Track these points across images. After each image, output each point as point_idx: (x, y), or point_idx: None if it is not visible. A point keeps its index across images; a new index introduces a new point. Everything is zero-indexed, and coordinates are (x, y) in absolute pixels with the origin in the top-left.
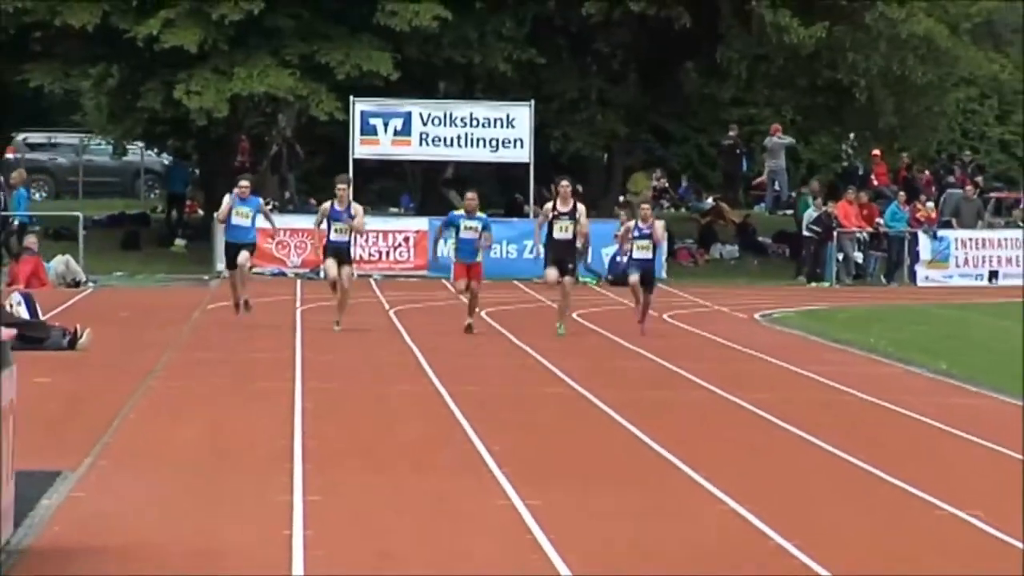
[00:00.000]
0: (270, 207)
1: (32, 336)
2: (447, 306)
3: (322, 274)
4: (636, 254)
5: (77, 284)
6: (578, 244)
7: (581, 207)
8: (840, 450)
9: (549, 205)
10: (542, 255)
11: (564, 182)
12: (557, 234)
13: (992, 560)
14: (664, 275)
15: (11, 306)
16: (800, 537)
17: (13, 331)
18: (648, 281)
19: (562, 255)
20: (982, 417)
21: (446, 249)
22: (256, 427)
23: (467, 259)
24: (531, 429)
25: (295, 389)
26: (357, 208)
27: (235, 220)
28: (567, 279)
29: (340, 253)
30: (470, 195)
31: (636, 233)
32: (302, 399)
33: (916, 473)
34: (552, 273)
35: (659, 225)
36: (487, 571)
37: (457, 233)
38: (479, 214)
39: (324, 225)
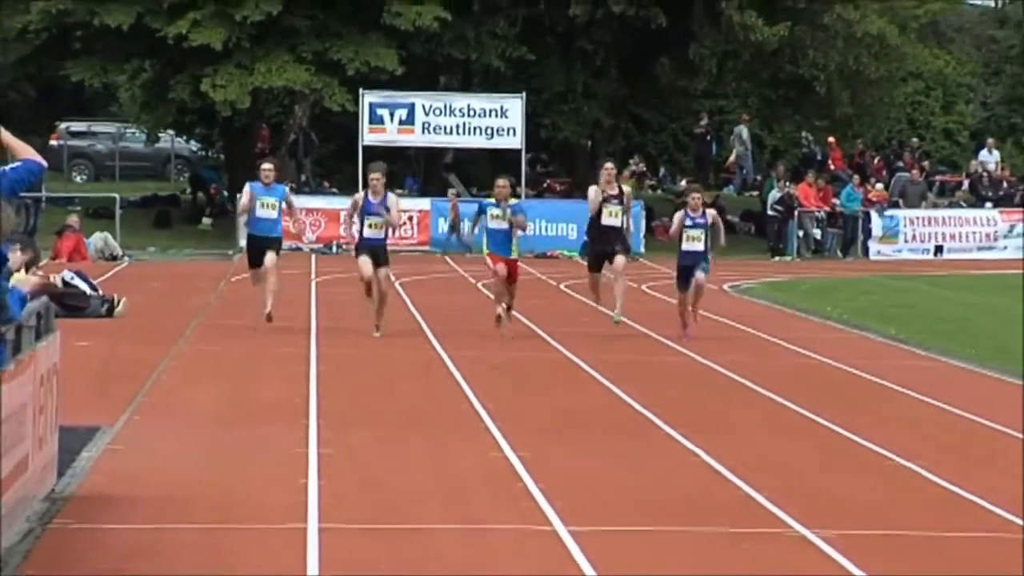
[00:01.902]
0: (290, 187)
1: (73, 304)
2: (448, 279)
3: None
4: (686, 245)
5: (114, 258)
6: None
7: (627, 189)
8: (803, 408)
9: (596, 189)
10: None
11: (609, 164)
12: (606, 220)
13: (936, 505)
14: (642, 250)
15: (64, 282)
16: (768, 488)
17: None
18: (695, 270)
19: (608, 244)
20: (929, 377)
21: (471, 236)
22: (275, 388)
23: (500, 251)
24: (522, 390)
25: (310, 354)
26: (393, 199)
27: (260, 212)
28: (618, 258)
29: (376, 252)
30: (501, 182)
31: (689, 222)
32: (316, 363)
33: (871, 428)
34: (595, 278)
35: (714, 213)
36: (483, 517)
37: (486, 222)
38: (511, 202)
39: (356, 227)
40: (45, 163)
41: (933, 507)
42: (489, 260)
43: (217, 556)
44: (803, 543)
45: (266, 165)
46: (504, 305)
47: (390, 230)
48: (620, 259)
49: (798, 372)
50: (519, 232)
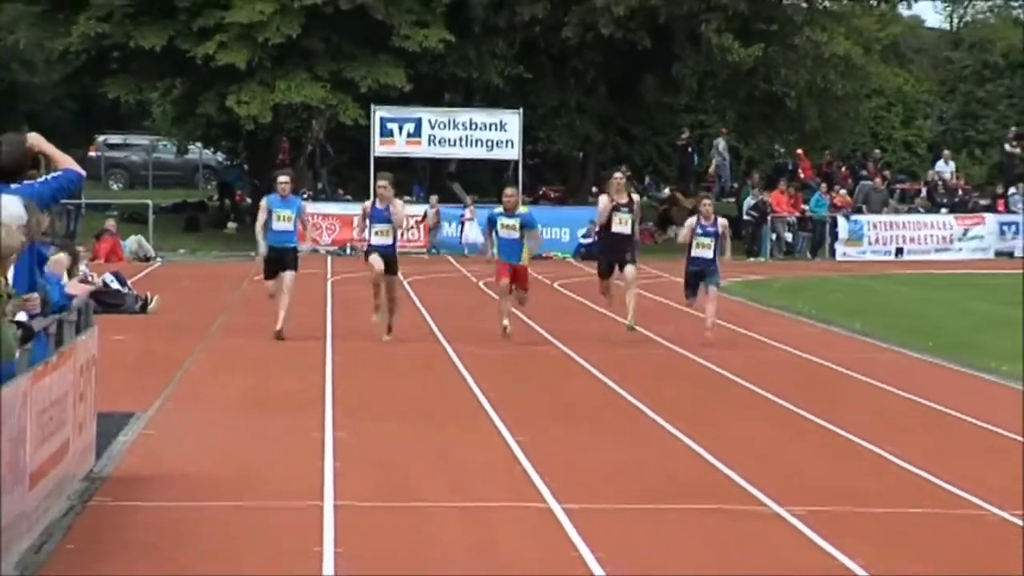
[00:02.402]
0: (306, 197)
1: (110, 301)
2: (450, 278)
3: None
4: (695, 252)
5: (147, 259)
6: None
7: (636, 198)
8: (779, 397)
9: (606, 199)
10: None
11: (618, 173)
12: (616, 227)
13: (899, 484)
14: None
15: (106, 283)
16: (745, 470)
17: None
18: (706, 278)
19: (617, 251)
20: (891, 368)
21: (494, 251)
22: (294, 377)
23: (509, 259)
24: (521, 381)
25: (326, 347)
26: (397, 204)
27: (276, 224)
28: (628, 268)
29: (386, 259)
30: (509, 191)
31: (700, 231)
32: (332, 355)
33: (840, 415)
34: (604, 285)
35: (724, 223)
36: (484, 496)
37: (496, 231)
38: (520, 210)
39: (366, 231)
40: (83, 172)
41: (896, 486)
42: (497, 271)
43: (241, 531)
44: (776, 519)
45: (282, 178)
46: (506, 322)
47: (398, 236)
48: (631, 269)
49: (773, 364)
50: (534, 244)
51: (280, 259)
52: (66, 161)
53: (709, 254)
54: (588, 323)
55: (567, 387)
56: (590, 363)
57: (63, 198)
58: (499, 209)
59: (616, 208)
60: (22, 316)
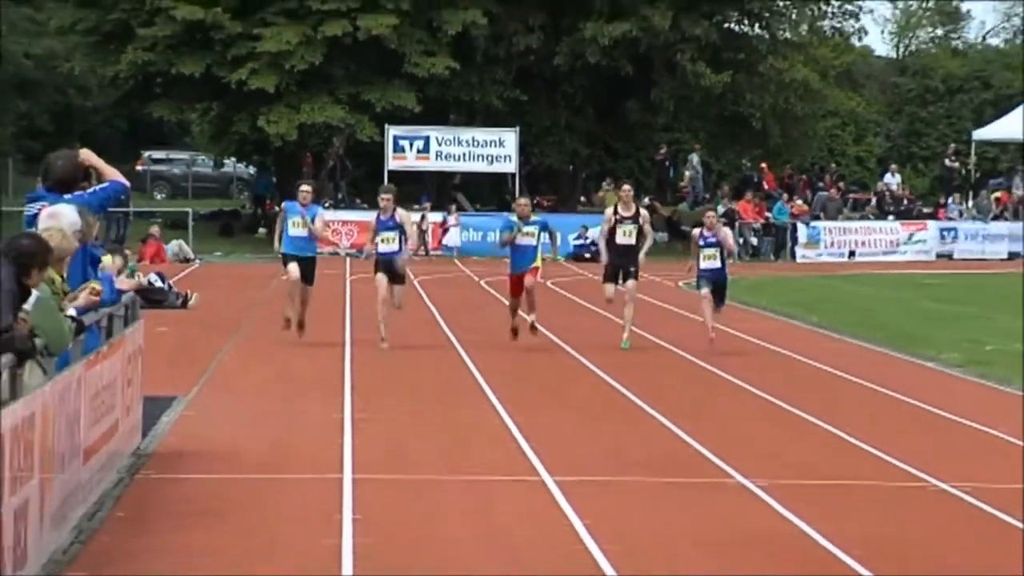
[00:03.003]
0: (327, 205)
1: (154, 298)
2: (455, 278)
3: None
4: (704, 264)
5: (187, 260)
6: (643, 251)
7: (644, 211)
8: (746, 383)
9: (610, 211)
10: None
11: (626, 186)
12: (620, 239)
13: (854, 459)
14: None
15: (151, 282)
16: (714, 445)
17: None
18: (720, 293)
19: (624, 261)
20: (844, 357)
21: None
22: (316, 365)
23: (524, 267)
24: (518, 368)
25: (345, 339)
26: (402, 214)
27: (292, 231)
28: (630, 283)
29: (391, 268)
30: (522, 201)
31: (702, 242)
32: (351, 346)
33: (798, 399)
34: (609, 288)
35: (727, 232)
36: (485, 469)
37: (513, 234)
38: (534, 218)
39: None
40: (128, 183)
41: (845, 460)
42: (509, 286)
43: (270, 500)
44: (743, 490)
45: (304, 187)
46: (512, 326)
47: (406, 243)
48: (632, 283)
49: (741, 353)
50: (557, 240)
51: (299, 266)
52: (113, 174)
53: (717, 263)
54: (577, 317)
55: (557, 373)
56: (578, 351)
57: (110, 206)
58: (514, 218)
59: (620, 220)
60: (71, 311)
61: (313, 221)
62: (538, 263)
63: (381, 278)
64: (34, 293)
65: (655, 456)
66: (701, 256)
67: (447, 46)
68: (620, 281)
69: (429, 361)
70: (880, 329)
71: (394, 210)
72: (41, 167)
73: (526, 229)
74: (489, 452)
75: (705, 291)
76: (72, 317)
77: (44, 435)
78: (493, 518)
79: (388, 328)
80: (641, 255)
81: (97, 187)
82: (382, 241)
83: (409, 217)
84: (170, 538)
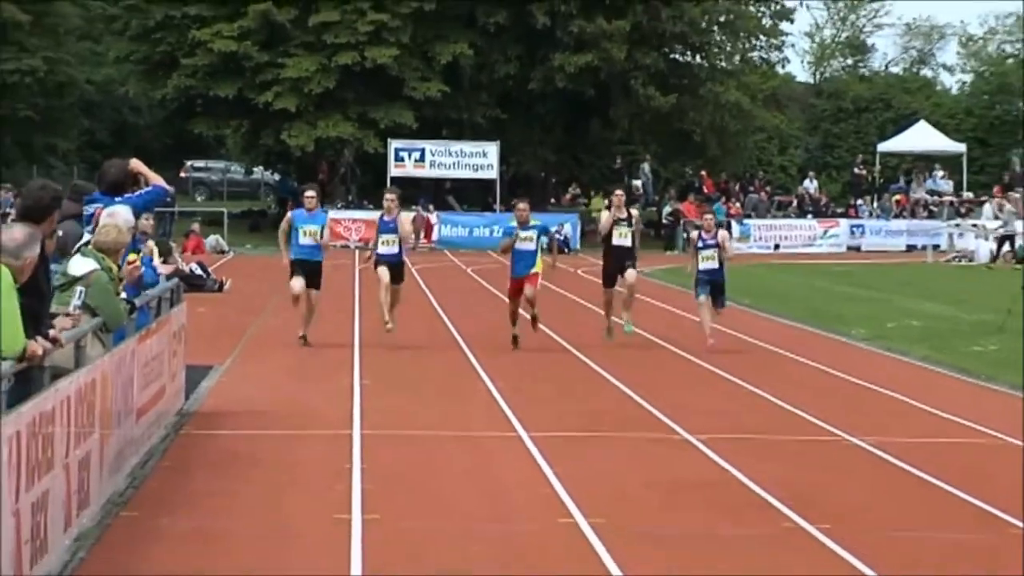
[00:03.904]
0: (340, 206)
1: (195, 283)
2: (450, 267)
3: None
4: (702, 265)
5: (223, 252)
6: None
7: (635, 212)
8: (688, 353)
9: (607, 215)
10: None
11: (619, 191)
12: (616, 240)
13: (779, 420)
14: (578, 246)
15: (192, 270)
16: (663, 407)
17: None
18: (717, 295)
19: (620, 261)
20: (772, 333)
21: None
22: (331, 340)
23: (523, 272)
24: (503, 344)
25: (354, 318)
26: (402, 217)
27: (302, 240)
28: (629, 272)
29: (392, 269)
30: (521, 205)
31: (700, 244)
32: (359, 323)
33: (736, 369)
34: (610, 292)
35: (725, 235)
36: (473, 426)
37: (513, 240)
38: (533, 222)
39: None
40: (169, 188)
41: (772, 419)
42: (509, 291)
43: (292, 452)
44: (686, 443)
45: (308, 192)
46: (513, 333)
47: (403, 247)
48: (632, 272)
49: (685, 331)
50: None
51: (306, 272)
52: (156, 179)
53: (715, 264)
54: (554, 305)
55: (536, 350)
56: (556, 332)
57: (154, 207)
58: (514, 223)
59: (616, 222)
60: (124, 295)
61: (322, 230)
62: (538, 268)
63: (384, 270)
64: (88, 263)
65: (614, 415)
66: (700, 258)
67: (439, 73)
68: (618, 281)
69: (427, 340)
70: (801, 309)
71: (397, 212)
72: (97, 174)
73: (524, 234)
74: (476, 413)
75: (703, 298)
76: (126, 299)
77: (103, 397)
78: (479, 467)
79: (392, 315)
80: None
81: (142, 191)
82: (383, 243)
83: (406, 218)
84: (208, 484)
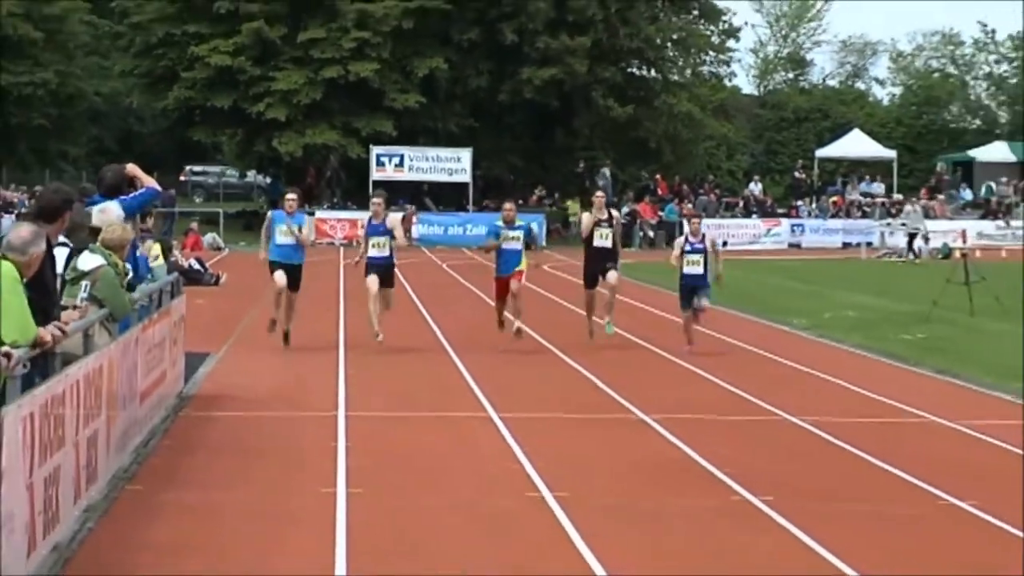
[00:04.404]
0: (325, 206)
1: (194, 277)
2: (424, 263)
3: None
4: (687, 269)
5: (219, 249)
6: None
7: (616, 213)
8: (650, 344)
9: (588, 216)
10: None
11: (599, 192)
12: (597, 242)
13: (727, 402)
14: (544, 243)
15: (191, 265)
16: (621, 390)
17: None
18: (698, 294)
19: (601, 263)
20: (721, 323)
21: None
22: (319, 328)
23: (509, 271)
24: (475, 333)
25: (340, 307)
26: (393, 220)
27: (280, 239)
28: (611, 275)
29: (381, 272)
30: (508, 206)
31: (688, 247)
32: (344, 315)
33: (694, 358)
34: (590, 293)
35: (713, 238)
36: (450, 407)
37: (498, 240)
38: (519, 223)
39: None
40: (160, 189)
41: (720, 401)
42: (495, 290)
43: (283, 432)
44: (642, 423)
45: (290, 195)
46: (514, 327)
47: (399, 244)
48: (613, 274)
49: (640, 320)
50: (537, 249)
51: (286, 273)
52: (149, 182)
53: (699, 270)
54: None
55: (506, 337)
56: (527, 324)
57: (147, 207)
58: (500, 222)
59: (598, 224)
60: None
61: (300, 229)
62: (523, 267)
63: (373, 279)
64: (95, 259)
65: (573, 397)
66: (685, 262)
67: (417, 85)
68: (599, 282)
69: (407, 331)
70: (748, 301)
71: (385, 215)
72: (97, 177)
73: (512, 234)
74: (451, 397)
75: (687, 314)
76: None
77: (110, 381)
78: (454, 445)
79: (380, 324)
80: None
81: (136, 192)
82: (373, 246)
83: (396, 220)
84: (206, 460)
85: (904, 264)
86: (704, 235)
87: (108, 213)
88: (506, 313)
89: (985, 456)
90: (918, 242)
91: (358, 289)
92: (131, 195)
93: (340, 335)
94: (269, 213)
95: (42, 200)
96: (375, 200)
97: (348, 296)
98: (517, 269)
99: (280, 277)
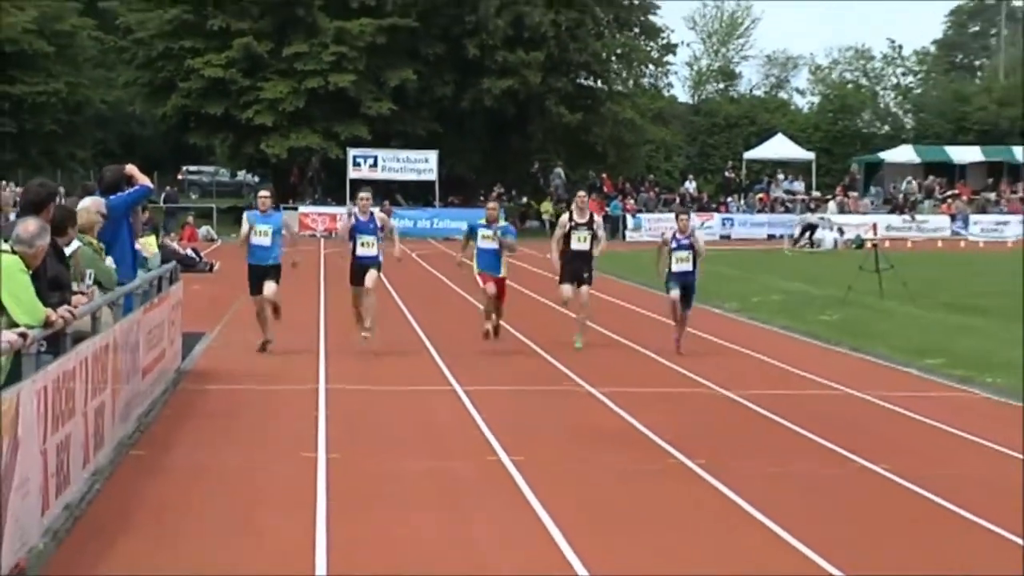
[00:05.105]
0: (308, 202)
1: (189, 265)
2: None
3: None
4: (675, 267)
5: (212, 240)
6: (595, 253)
7: (598, 218)
8: (598, 326)
9: (565, 217)
10: (558, 268)
11: (581, 192)
12: (575, 244)
13: (664, 376)
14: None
15: (188, 254)
16: (571, 366)
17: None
18: (688, 296)
19: (579, 266)
20: (661, 306)
21: (465, 259)
22: (302, 311)
23: (490, 270)
24: (447, 322)
25: (321, 293)
26: (382, 217)
27: (255, 240)
28: (584, 289)
29: (368, 273)
30: (492, 204)
31: (674, 244)
32: (324, 299)
33: (632, 335)
34: (567, 289)
35: (700, 235)
36: (422, 382)
37: (476, 242)
38: (500, 223)
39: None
40: (151, 186)
41: (657, 375)
42: (479, 279)
43: (270, 402)
44: (590, 396)
45: (263, 193)
46: (491, 325)
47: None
48: (585, 290)
49: (598, 308)
50: (507, 252)
51: (262, 277)
52: (143, 181)
53: (688, 267)
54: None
55: (475, 326)
56: (506, 321)
57: (139, 203)
58: (481, 221)
59: (576, 227)
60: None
61: (277, 231)
62: (504, 272)
63: (359, 290)
64: (74, 243)
65: (531, 373)
66: (673, 259)
67: (389, 95)
68: (576, 283)
69: (384, 315)
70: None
71: (371, 213)
72: (99, 176)
73: (486, 233)
74: (419, 371)
75: (675, 292)
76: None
77: (115, 358)
78: (421, 415)
79: (367, 319)
80: (596, 252)
81: (130, 190)
82: (361, 245)
83: (389, 222)
84: (201, 428)
85: (793, 254)
86: (693, 231)
87: (87, 202)
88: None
89: (895, 425)
90: (823, 234)
91: (338, 276)
92: (126, 192)
93: (321, 317)
94: (245, 215)
95: (29, 194)
96: (363, 195)
97: (328, 281)
98: (501, 275)
99: (257, 296)
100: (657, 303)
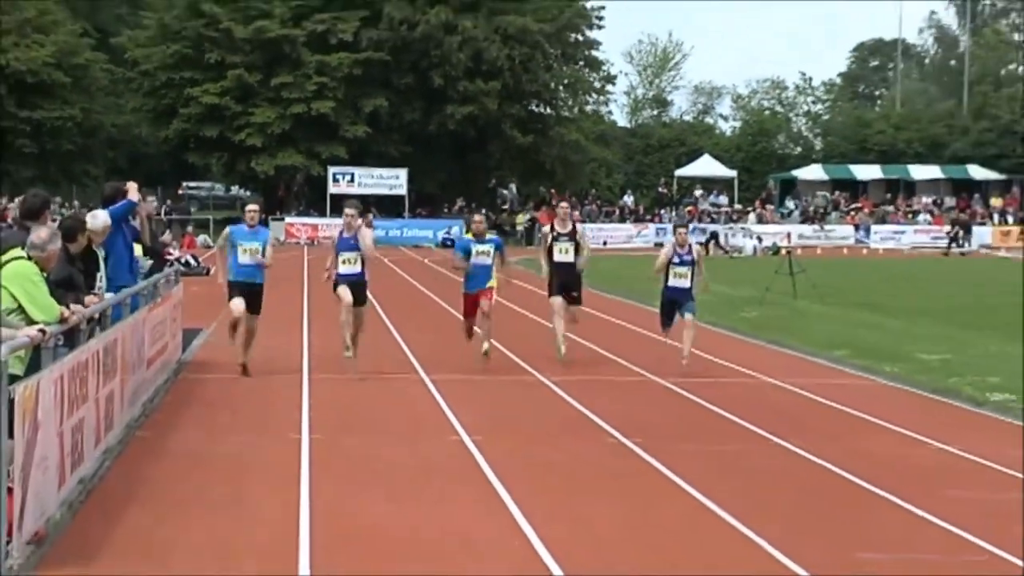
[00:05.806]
0: (294, 214)
1: (188, 270)
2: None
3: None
4: (673, 282)
5: (209, 247)
6: (579, 264)
7: (580, 227)
8: (538, 316)
9: (547, 229)
10: (546, 280)
11: (563, 204)
12: (558, 256)
13: (606, 366)
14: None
15: (187, 260)
16: (525, 356)
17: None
18: (682, 309)
19: (567, 279)
20: (603, 304)
21: (463, 266)
22: (286, 306)
23: (478, 287)
24: (419, 320)
25: (304, 291)
26: (364, 232)
27: (242, 259)
28: (573, 308)
29: (355, 289)
30: (477, 218)
31: (676, 259)
32: (307, 298)
33: (583, 332)
34: (558, 301)
35: (700, 250)
36: (398, 373)
37: (469, 259)
38: (489, 236)
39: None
40: (135, 200)
41: (607, 366)
42: (464, 307)
43: (260, 390)
44: (542, 384)
45: (251, 206)
46: (483, 347)
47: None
48: (574, 309)
49: (528, 301)
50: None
51: (246, 294)
52: (131, 196)
53: (686, 283)
54: (448, 285)
55: (445, 327)
56: (456, 309)
57: (127, 215)
58: (470, 236)
59: (557, 238)
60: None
61: (264, 249)
62: (493, 283)
63: (345, 290)
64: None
65: (502, 367)
66: (671, 274)
67: (364, 119)
68: (567, 300)
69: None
70: (624, 288)
71: (357, 228)
72: (101, 191)
73: (480, 248)
74: (390, 361)
75: (668, 341)
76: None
77: (123, 350)
78: (393, 401)
79: (355, 339)
80: (580, 262)
81: (120, 203)
82: (343, 262)
83: (369, 236)
84: (200, 413)
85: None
86: (691, 246)
87: (96, 217)
88: (476, 328)
89: (805, 408)
90: (753, 242)
91: (318, 279)
92: (115, 206)
93: (305, 313)
94: (227, 229)
95: (27, 203)
96: (348, 211)
97: (311, 281)
98: (488, 286)
99: (238, 305)
100: (598, 302)
